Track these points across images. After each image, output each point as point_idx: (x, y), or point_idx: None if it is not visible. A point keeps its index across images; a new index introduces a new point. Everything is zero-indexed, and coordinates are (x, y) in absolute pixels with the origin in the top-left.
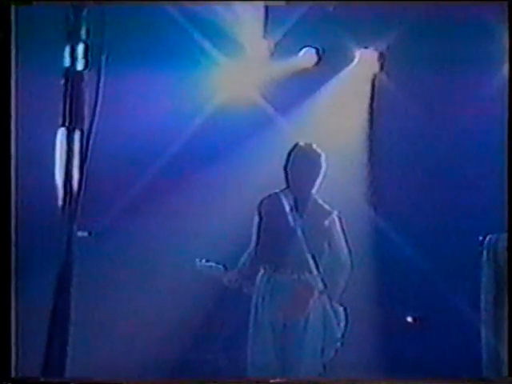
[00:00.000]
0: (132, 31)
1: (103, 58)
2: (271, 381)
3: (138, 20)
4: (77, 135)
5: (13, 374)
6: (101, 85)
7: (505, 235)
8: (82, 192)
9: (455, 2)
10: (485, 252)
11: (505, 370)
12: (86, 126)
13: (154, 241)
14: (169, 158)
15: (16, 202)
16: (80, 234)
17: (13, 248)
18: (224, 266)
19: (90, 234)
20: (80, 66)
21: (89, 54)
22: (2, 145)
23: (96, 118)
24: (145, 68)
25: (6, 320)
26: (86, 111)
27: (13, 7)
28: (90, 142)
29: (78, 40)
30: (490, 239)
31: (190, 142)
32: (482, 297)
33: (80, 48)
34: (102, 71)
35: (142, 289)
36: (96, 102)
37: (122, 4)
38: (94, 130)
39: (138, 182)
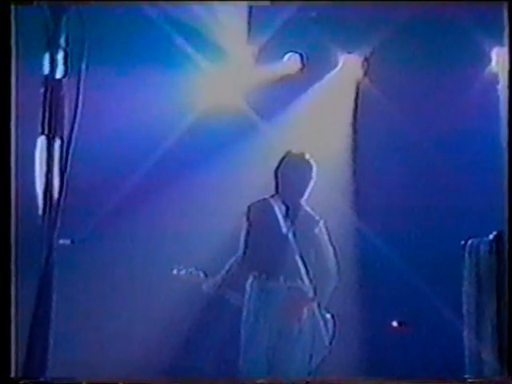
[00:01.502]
0: (113, 37)
1: (83, 65)
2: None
3: (118, 26)
4: (57, 143)
5: (13, 374)
6: (81, 92)
7: (487, 239)
8: (62, 200)
9: (452, 3)
10: (467, 255)
11: (505, 371)
12: (66, 134)
13: (137, 248)
14: (152, 165)
15: None
16: (62, 241)
17: None
18: (204, 272)
19: (72, 241)
20: (59, 74)
21: (68, 61)
22: None
23: (76, 126)
24: (126, 74)
25: (6, 321)
26: (66, 119)
27: (13, 7)
28: (71, 149)
29: (57, 47)
30: (472, 243)
31: (173, 149)
32: (464, 300)
33: (59, 55)
34: (82, 78)
35: (126, 295)
36: (76, 109)
37: (102, 8)
38: (74, 137)
39: (121, 189)
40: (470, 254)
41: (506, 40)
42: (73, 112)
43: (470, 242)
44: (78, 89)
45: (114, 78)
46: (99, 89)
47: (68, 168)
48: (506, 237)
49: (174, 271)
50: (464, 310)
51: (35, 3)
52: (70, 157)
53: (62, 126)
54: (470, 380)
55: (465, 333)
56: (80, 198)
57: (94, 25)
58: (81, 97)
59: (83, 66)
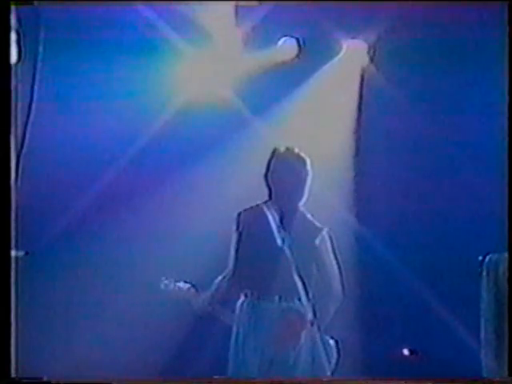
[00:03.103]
0: (80, 18)
1: (40, 49)
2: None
3: (85, 6)
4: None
5: (13, 374)
6: (37, 81)
7: (507, 254)
8: (17, 207)
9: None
10: (485, 273)
11: (505, 370)
12: (19, 131)
13: (104, 263)
14: (122, 167)
15: None
16: (14, 253)
17: None
18: (195, 288)
19: (26, 253)
20: (11, 59)
21: (21, 43)
22: None
23: (31, 121)
24: (96, 61)
25: (6, 321)
26: (20, 113)
27: (13, 7)
28: (24, 149)
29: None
30: (491, 259)
31: (149, 148)
32: (482, 325)
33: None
34: (38, 66)
35: (92, 317)
36: (31, 101)
37: None
38: (28, 135)
39: (85, 194)
40: (488, 271)
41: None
42: (27, 105)
43: (488, 257)
44: (34, 77)
45: (80, 65)
46: (61, 77)
47: (20, 171)
48: None
49: (162, 286)
50: (482, 335)
51: (35, 3)
52: (23, 158)
53: (14, 121)
54: (470, 380)
55: (483, 361)
56: (37, 205)
57: (53, 7)
58: (37, 87)
59: (40, 51)
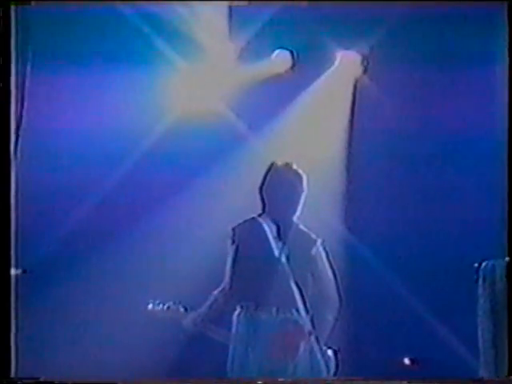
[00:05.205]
0: (73, 28)
1: (29, 55)
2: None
3: (80, 16)
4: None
5: (13, 374)
6: (27, 90)
7: (503, 261)
8: (13, 223)
9: (451, 3)
10: (481, 280)
11: (505, 370)
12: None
13: (99, 281)
14: (117, 182)
15: None
16: (13, 272)
17: None
18: (184, 307)
19: (24, 271)
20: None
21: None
22: None
23: (21, 133)
24: (88, 73)
25: (6, 321)
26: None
27: (13, 7)
28: (14, 162)
29: None
30: (487, 266)
31: (143, 163)
32: (479, 332)
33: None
34: (28, 78)
35: (91, 319)
36: (21, 113)
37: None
38: (20, 146)
39: (80, 209)
40: (484, 278)
41: (505, 40)
42: (18, 117)
43: (484, 264)
44: (24, 85)
45: (72, 77)
46: (52, 88)
47: (13, 185)
48: None
49: (150, 306)
50: (480, 342)
51: (33, 3)
52: (14, 172)
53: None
54: (470, 380)
55: (481, 370)
56: (32, 222)
57: (47, 19)
58: (27, 97)
59: (29, 57)
